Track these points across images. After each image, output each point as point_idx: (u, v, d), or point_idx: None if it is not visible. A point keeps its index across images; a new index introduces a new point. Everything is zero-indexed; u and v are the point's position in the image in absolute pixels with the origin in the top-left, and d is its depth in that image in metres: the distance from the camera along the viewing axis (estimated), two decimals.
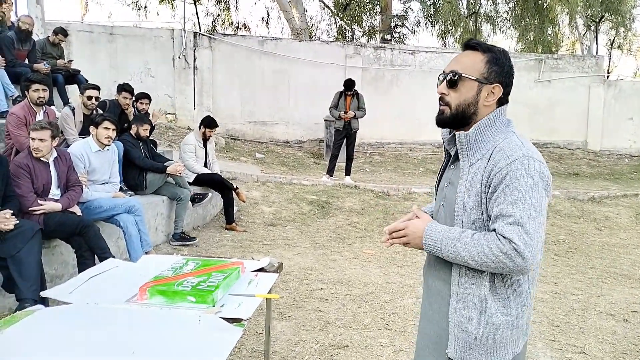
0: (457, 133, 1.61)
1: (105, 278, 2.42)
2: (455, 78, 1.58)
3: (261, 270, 2.58)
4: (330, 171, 8.86)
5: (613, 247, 6.52)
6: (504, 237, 1.43)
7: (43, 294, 2.37)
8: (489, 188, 1.51)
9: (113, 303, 2.09)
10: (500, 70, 1.58)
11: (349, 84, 8.53)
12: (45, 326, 1.90)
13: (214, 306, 2.05)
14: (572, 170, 11.80)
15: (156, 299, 2.09)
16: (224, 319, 1.96)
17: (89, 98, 5.37)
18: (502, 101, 1.62)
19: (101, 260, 3.76)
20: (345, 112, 8.43)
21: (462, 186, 1.57)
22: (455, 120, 1.61)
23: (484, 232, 1.51)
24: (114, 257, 3.83)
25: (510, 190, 1.46)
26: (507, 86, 1.60)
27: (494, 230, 1.47)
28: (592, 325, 3.99)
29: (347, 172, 8.87)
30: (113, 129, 4.67)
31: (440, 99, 1.62)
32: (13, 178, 3.71)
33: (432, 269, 1.71)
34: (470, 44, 1.62)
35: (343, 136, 8.65)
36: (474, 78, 1.57)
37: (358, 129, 8.68)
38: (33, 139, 3.85)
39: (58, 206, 3.95)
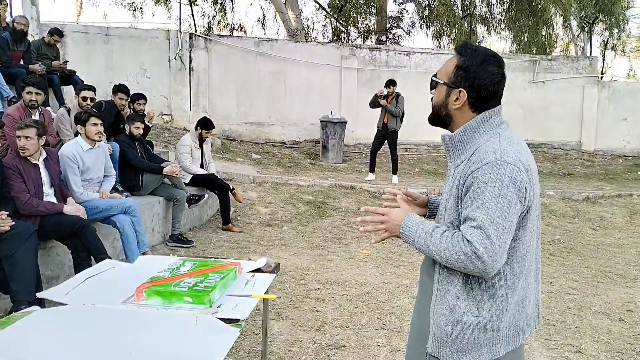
0: (442, 135, 1.66)
1: (102, 279, 2.41)
2: (432, 81, 1.68)
3: (258, 270, 2.59)
4: (372, 169, 9.28)
5: (608, 246, 6.55)
6: (467, 240, 1.46)
7: (39, 295, 2.36)
8: (463, 190, 1.54)
9: (110, 304, 2.08)
10: (465, 75, 1.58)
11: (388, 82, 8.97)
12: (41, 327, 1.90)
13: (210, 307, 2.05)
14: (566, 171, 11.85)
15: (153, 299, 2.09)
16: (220, 319, 1.96)
17: (84, 99, 5.36)
18: (481, 106, 1.60)
19: (97, 261, 3.75)
20: (382, 97, 8.79)
21: (446, 187, 1.62)
22: (435, 119, 1.70)
23: (454, 230, 1.54)
24: (110, 257, 3.83)
25: (478, 194, 1.48)
26: (476, 91, 1.58)
27: (460, 231, 1.51)
28: (588, 325, 4.01)
29: (394, 172, 9.19)
30: (101, 124, 4.66)
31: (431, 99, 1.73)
32: (5, 179, 3.69)
33: (423, 265, 1.77)
34: (456, 48, 1.66)
35: (382, 135, 9.02)
36: (442, 82, 1.63)
37: (396, 129, 8.96)
38: (19, 137, 3.81)
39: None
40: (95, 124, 4.59)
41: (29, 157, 3.88)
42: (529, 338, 3.67)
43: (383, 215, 1.67)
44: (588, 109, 13.05)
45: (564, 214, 7.92)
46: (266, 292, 2.39)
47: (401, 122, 9.00)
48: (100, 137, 4.67)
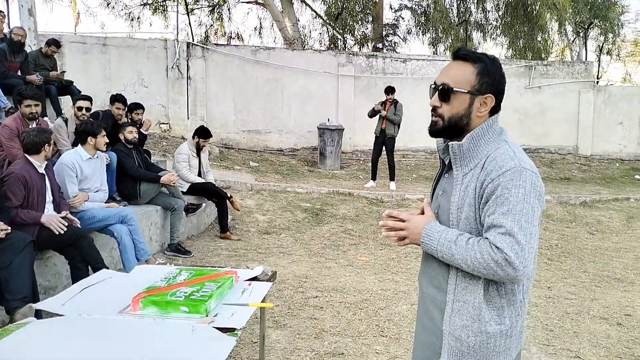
0: (450, 143, 1.61)
1: (99, 289, 2.41)
2: (447, 91, 1.59)
3: (255, 279, 2.59)
4: (373, 176, 9.36)
5: (605, 250, 6.56)
6: (497, 247, 1.45)
7: (35, 306, 2.36)
8: (482, 198, 1.53)
9: (106, 314, 2.09)
10: (491, 80, 1.58)
11: (387, 89, 9.09)
12: (37, 338, 1.90)
13: (207, 316, 2.06)
14: (563, 175, 11.88)
15: (149, 309, 2.09)
16: (217, 328, 1.96)
17: (79, 109, 5.38)
18: (495, 110, 1.62)
19: (95, 271, 3.76)
20: (378, 110, 8.90)
21: (455, 195, 1.59)
22: (448, 131, 1.63)
23: (479, 237, 1.52)
24: (107, 267, 3.82)
25: (502, 200, 1.47)
26: (499, 94, 1.60)
27: (487, 239, 1.49)
28: (586, 329, 4.02)
29: (391, 178, 9.27)
30: (106, 135, 4.81)
31: (433, 110, 1.64)
32: (8, 187, 3.71)
33: (426, 276, 1.72)
34: (460, 55, 1.62)
35: (380, 142, 9.09)
36: (466, 91, 1.58)
37: (394, 136, 9.07)
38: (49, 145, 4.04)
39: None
40: (104, 136, 4.76)
41: (36, 166, 3.94)
42: (527, 343, 3.67)
43: (405, 221, 1.64)
44: (584, 114, 13.11)
45: (561, 218, 7.93)
46: (263, 301, 2.39)
47: (398, 129, 9.08)
48: (106, 148, 4.84)
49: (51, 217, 3.85)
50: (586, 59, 16.15)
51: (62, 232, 3.80)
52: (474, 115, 1.59)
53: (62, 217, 3.92)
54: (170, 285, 2.26)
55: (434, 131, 1.66)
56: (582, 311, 4.40)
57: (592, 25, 16.92)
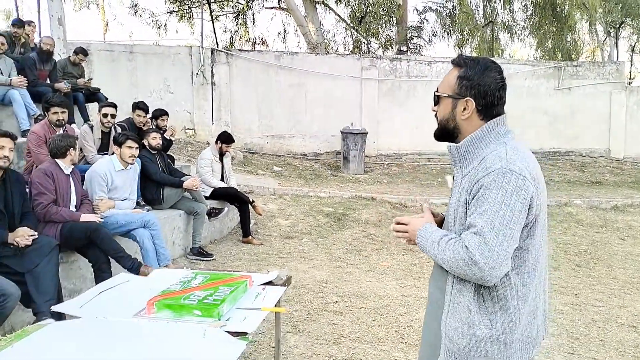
0: (448, 145, 1.66)
1: (116, 292, 2.46)
2: (436, 96, 1.68)
3: (269, 283, 2.59)
4: None
5: (637, 257, 6.34)
6: (465, 246, 1.47)
7: (54, 308, 2.42)
8: (470, 199, 1.54)
9: (121, 317, 2.12)
10: (470, 83, 1.60)
11: None
12: (54, 340, 1.94)
13: (219, 320, 2.07)
14: (594, 179, 11.55)
15: (163, 312, 2.11)
16: (229, 332, 1.97)
17: (105, 115, 5.50)
18: (489, 113, 1.61)
19: (117, 261, 3.92)
20: None
21: (454, 197, 1.63)
22: (442, 134, 1.70)
23: (458, 237, 1.55)
24: (129, 255, 3.95)
25: (482, 201, 1.48)
26: (483, 97, 1.59)
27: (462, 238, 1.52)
28: (614, 338, 3.89)
29: None
30: (136, 147, 4.79)
31: (435, 115, 1.73)
32: (39, 184, 3.86)
33: (433, 277, 1.76)
34: (453, 61, 1.67)
35: None
36: (446, 95, 1.64)
37: None
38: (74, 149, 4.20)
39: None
40: (131, 147, 4.72)
41: (62, 167, 4.09)
42: (551, 351, 3.57)
43: (406, 224, 1.72)
44: (616, 115, 12.74)
45: (591, 223, 7.71)
46: (277, 305, 2.39)
47: None
48: (133, 160, 4.79)
49: (89, 215, 4.12)
50: (617, 59, 15.72)
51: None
52: (459, 118, 1.63)
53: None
54: (184, 289, 2.28)
55: (434, 135, 1.73)
56: (610, 319, 4.26)
57: (623, 25, 16.48)
